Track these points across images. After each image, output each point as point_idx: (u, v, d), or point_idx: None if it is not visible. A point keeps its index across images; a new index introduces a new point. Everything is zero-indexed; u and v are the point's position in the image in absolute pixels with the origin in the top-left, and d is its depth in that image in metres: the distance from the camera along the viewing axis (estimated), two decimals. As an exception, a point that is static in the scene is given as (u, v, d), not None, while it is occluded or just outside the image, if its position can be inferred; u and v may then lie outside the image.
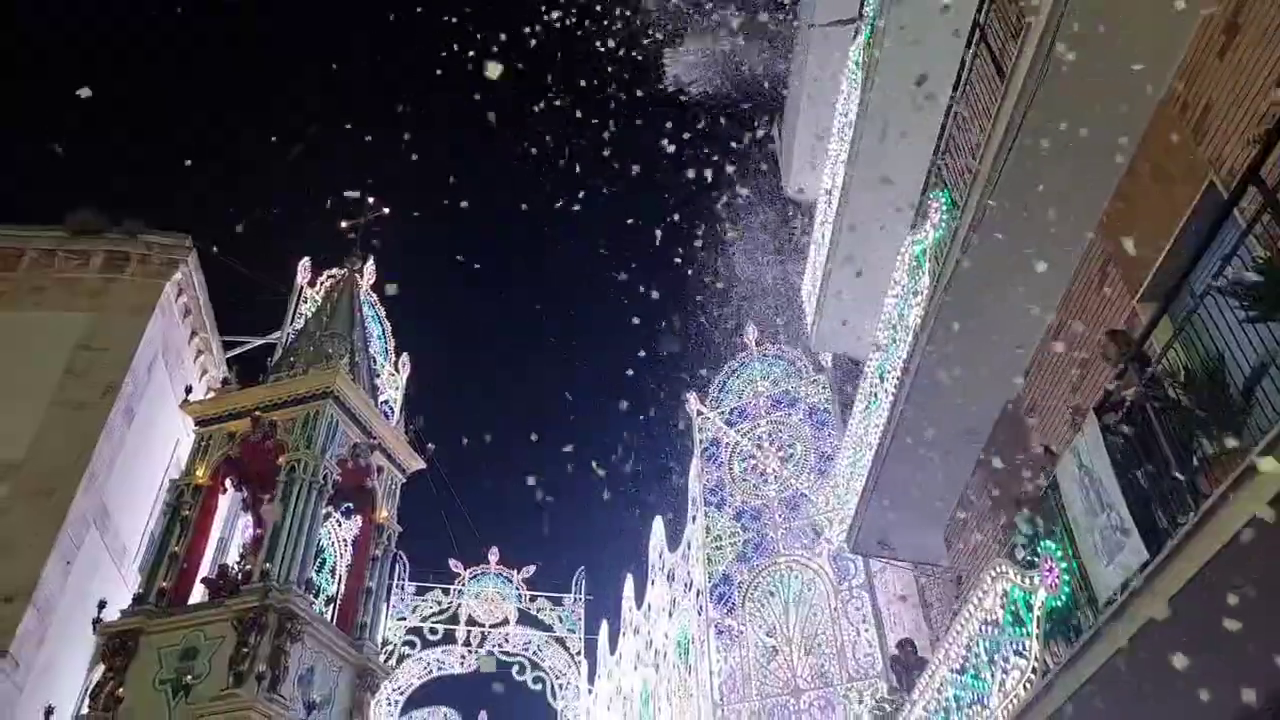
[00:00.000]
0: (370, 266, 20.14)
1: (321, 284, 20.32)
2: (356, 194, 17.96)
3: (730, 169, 18.54)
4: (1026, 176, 7.17)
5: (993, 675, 7.10)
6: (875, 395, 11.35)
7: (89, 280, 16.15)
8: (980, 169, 7.66)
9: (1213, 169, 6.18)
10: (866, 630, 15.04)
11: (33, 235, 16.38)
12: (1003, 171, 7.32)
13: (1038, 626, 6.38)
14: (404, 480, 15.22)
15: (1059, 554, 6.11)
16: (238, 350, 19.65)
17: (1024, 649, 6.60)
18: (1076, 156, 6.97)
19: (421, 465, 15.63)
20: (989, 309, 8.42)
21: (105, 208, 16.84)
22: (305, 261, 20.78)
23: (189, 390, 15.06)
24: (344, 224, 18.56)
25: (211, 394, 15.32)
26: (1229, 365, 4.69)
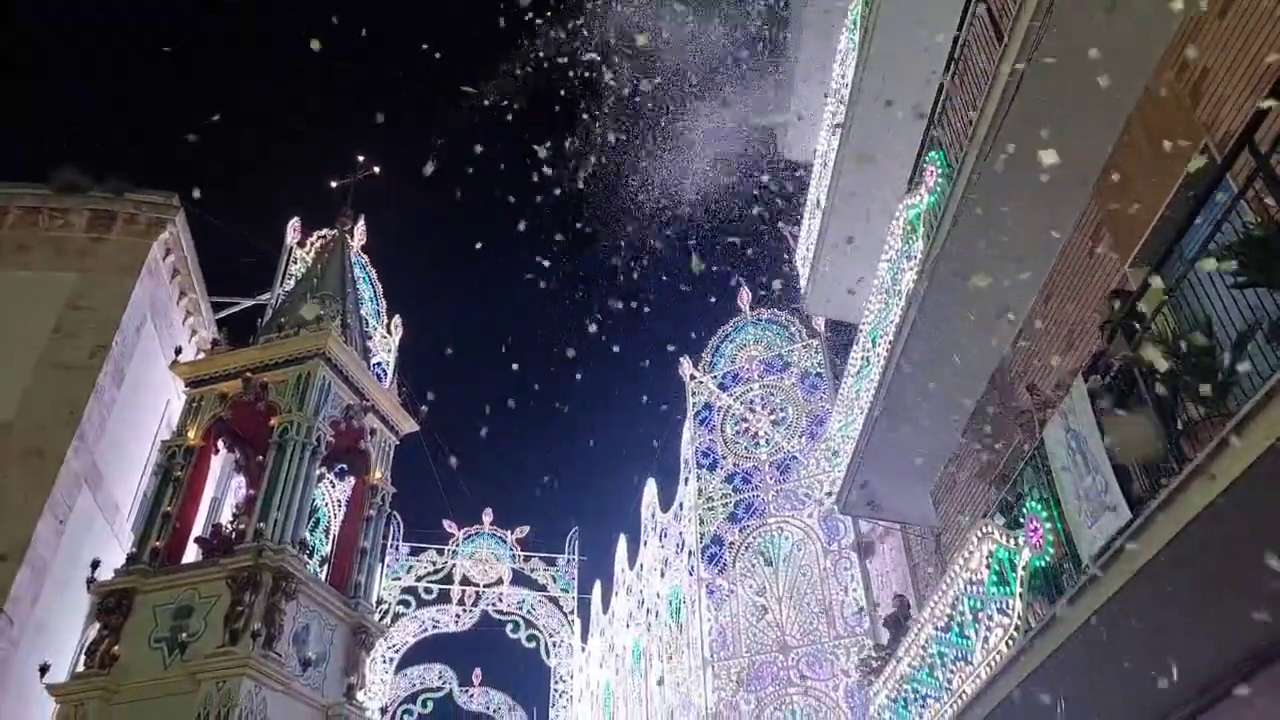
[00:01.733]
0: (361, 227, 20.01)
1: (311, 244, 20.18)
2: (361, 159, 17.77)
3: (726, 129, 18.37)
4: (1021, 140, 7.14)
5: (977, 633, 7.23)
6: (867, 359, 11.41)
7: (75, 239, 15.99)
8: (975, 133, 7.61)
9: (1208, 133, 6.15)
10: (855, 589, 15.27)
11: (16, 193, 16.17)
12: (998, 135, 7.29)
13: (1021, 586, 6.49)
14: (397, 442, 15.26)
15: (1044, 515, 6.19)
16: (227, 311, 19.56)
17: (1008, 608, 6.72)
18: (1072, 121, 6.93)
19: (414, 427, 15.67)
20: (981, 273, 8.42)
21: (89, 166, 16.64)
22: (295, 221, 20.61)
23: (179, 351, 15.01)
24: (333, 183, 18.39)
25: (201, 355, 15.27)
26: (1217, 330, 4.72)
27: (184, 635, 11.01)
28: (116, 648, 11.02)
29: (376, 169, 18.66)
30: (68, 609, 13.84)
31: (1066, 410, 5.76)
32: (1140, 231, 6.99)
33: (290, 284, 18.68)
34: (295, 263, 19.98)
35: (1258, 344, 4.31)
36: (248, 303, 19.94)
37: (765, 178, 18.56)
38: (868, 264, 11.78)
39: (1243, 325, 4.49)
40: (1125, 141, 7.24)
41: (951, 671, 7.76)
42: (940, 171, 8.69)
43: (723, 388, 18.84)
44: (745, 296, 19.68)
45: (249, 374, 13.29)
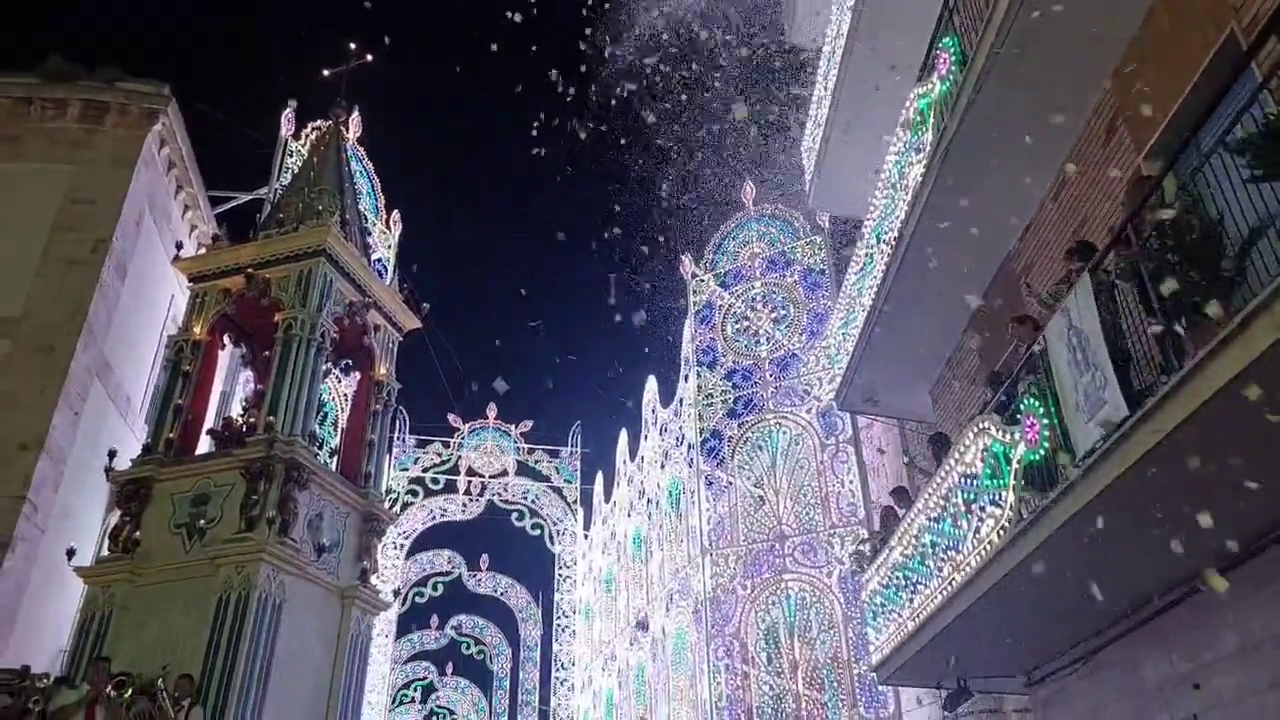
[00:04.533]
0: (356, 118, 19.53)
1: (306, 136, 19.76)
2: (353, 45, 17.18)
3: (733, 17, 17.71)
4: (1039, 25, 6.89)
5: (968, 523, 7.45)
6: (871, 256, 11.33)
7: (68, 131, 15.69)
8: (991, 17, 7.34)
9: (1235, 16, 5.92)
10: (851, 482, 15.66)
11: (5, 82, 15.77)
12: (1015, 19, 7.02)
13: (1015, 479, 6.64)
14: (400, 338, 15.35)
15: (1041, 411, 6.28)
16: (225, 206, 19.34)
17: (1000, 500, 6.89)
18: (1092, 5, 6.67)
19: (417, 324, 15.73)
20: (990, 167, 8.28)
21: (77, 55, 16.17)
22: (288, 112, 20.12)
23: (179, 246, 14.93)
24: (326, 72, 17.85)
25: (203, 250, 15.19)
26: (1229, 226, 4.67)
27: (202, 522, 11.38)
28: (138, 533, 11.40)
29: (369, 57, 18.08)
30: (87, 498, 14.26)
31: (1069, 306, 5.76)
32: (1158, 123, 6.82)
33: (287, 177, 18.39)
34: (291, 155, 19.62)
35: (1269, 240, 4.27)
36: (245, 197, 19.71)
37: (775, 64, 18.00)
38: (875, 158, 11.55)
39: (1256, 222, 4.44)
40: (1147, 26, 6.99)
41: (942, 560, 8.02)
42: (953, 58, 8.41)
43: (724, 286, 18.79)
44: (749, 191, 19.39)
45: (251, 270, 13.26)
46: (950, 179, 8.62)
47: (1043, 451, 6.24)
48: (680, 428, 18.70)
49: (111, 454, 12.17)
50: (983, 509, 7.20)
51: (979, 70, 7.61)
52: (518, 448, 25.75)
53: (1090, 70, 7.44)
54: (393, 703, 24.60)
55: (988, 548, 7.02)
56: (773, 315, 17.92)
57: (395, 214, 20.09)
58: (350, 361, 15.49)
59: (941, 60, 8.69)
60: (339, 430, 17.64)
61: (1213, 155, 4.50)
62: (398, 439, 24.38)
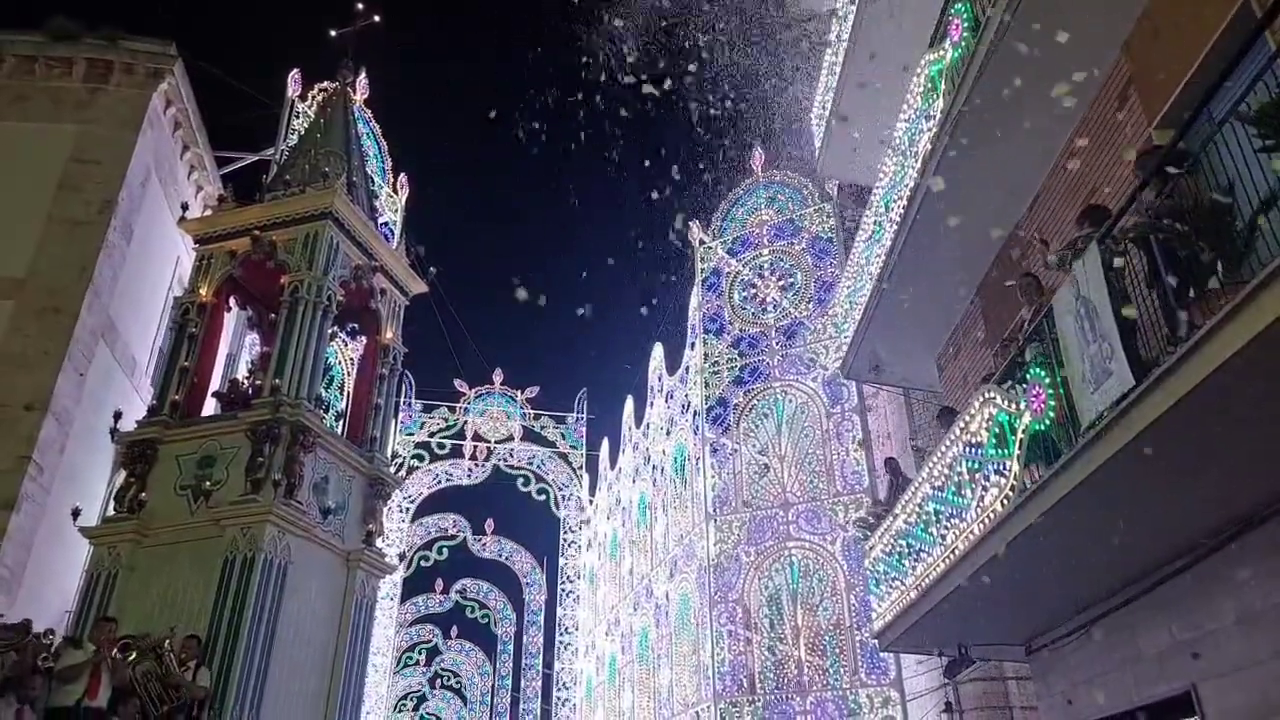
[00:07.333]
0: (363, 80, 19.35)
1: (313, 97, 19.60)
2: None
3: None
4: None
5: (973, 492, 7.45)
6: (879, 224, 11.23)
7: (73, 90, 15.58)
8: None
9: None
10: (856, 450, 15.68)
11: (8, 40, 15.64)
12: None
13: (1019, 449, 6.63)
14: (407, 303, 15.34)
15: (1047, 381, 6.25)
16: (231, 167, 19.25)
17: (1004, 469, 6.89)
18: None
19: (423, 288, 15.71)
20: (1001, 134, 8.16)
21: (81, 13, 16.01)
22: (295, 73, 19.93)
23: (185, 208, 14.88)
24: (332, 33, 17.67)
25: (208, 211, 15.15)
26: (1240, 197, 4.61)
27: (208, 484, 11.44)
28: (144, 494, 11.50)
29: (376, 18, 17.89)
30: (93, 459, 14.36)
31: (1078, 276, 5.70)
32: (1170, 92, 6.70)
33: (293, 139, 18.27)
34: (298, 117, 19.48)
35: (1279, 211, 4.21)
36: (251, 158, 19.60)
37: (783, 31, 17.70)
38: (885, 125, 11.40)
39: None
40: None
41: (946, 528, 8.04)
42: (965, 25, 8.26)
43: (732, 253, 18.71)
44: (758, 158, 19.21)
45: (257, 232, 13.22)
46: (960, 146, 8.50)
47: (1048, 422, 6.22)
48: (686, 395, 18.73)
49: (117, 415, 12.24)
50: (987, 478, 7.20)
51: (991, 36, 7.47)
52: (524, 413, 25.86)
53: (1103, 38, 7.29)
54: (398, 665, 25.03)
55: (991, 516, 7.04)
56: (780, 283, 17.86)
57: (402, 177, 19.96)
58: (356, 325, 15.51)
59: (953, 27, 8.54)
60: (345, 394, 17.71)
61: (1224, 125, 4.42)
62: (404, 403, 24.52)
